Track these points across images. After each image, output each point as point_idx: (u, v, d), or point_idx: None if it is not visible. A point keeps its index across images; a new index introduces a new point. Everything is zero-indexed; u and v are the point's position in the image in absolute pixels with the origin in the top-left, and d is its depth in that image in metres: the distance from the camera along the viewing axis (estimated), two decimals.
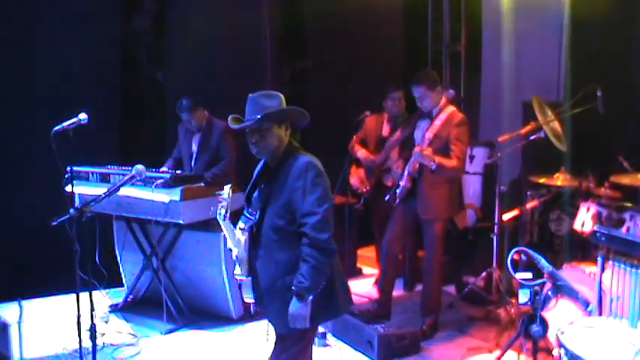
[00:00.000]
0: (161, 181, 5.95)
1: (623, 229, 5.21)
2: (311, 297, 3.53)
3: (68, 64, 7.03)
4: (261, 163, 3.92)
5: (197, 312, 6.51)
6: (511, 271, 2.97)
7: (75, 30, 7.11)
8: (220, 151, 6.93)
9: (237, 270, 3.74)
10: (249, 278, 3.79)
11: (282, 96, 3.76)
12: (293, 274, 3.59)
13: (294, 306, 3.55)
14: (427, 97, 5.85)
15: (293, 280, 3.57)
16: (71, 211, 4.06)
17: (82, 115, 4.59)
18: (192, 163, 7.02)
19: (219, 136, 6.91)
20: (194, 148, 7.02)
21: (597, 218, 5.46)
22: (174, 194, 5.94)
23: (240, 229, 3.73)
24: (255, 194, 3.81)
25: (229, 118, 3.81)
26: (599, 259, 4.66)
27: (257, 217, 3.71)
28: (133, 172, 4.38)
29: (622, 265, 4.50)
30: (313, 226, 3.50)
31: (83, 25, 7.17)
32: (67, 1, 7.11)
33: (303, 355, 3.85)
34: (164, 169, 6.90)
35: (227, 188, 3.55)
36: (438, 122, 5.87)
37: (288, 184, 3.58)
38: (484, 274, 6.86)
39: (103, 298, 6.54)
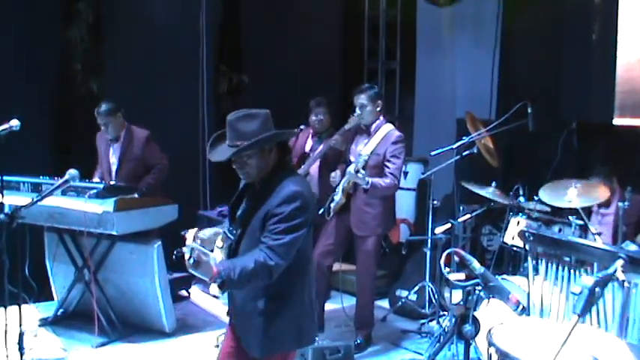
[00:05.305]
0: (94, 191, 5.85)
1: None
2: (219, 281, 3.30)
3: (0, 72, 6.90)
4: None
5: (129, 325, 6.40)
6: (444, 271, 3.01)
7: (9, 38, 7.00)
8: (147, 159, 6.83)
9: (214, 287, 3.56)
10: (225, 294, 3.64)
11: (263, 113, 3.55)
12: (263, 298, 3.51)
13: (208, 270, 3.28)
14: (366, 107, 5.91)
15: (263, 304, 3.50)
16: (1, 216, 3.97)
17: (14, 122, 4.50)
18: (114, 175, 6.86)
19: (142, 145, 6.82)
20: (113, 159, 6.88)
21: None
22: (108, 205, 5.83)
23: (217, 247, 3.61)
24: (239, 212, 3.70)
25: (209, 143, 3.65)
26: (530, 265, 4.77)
27: (237, 235, 3.62)
28: (67, 176, 4.31)
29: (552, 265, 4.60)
30: (272, 248, 3.37)
31: (18, 34, 7.06)
32: (1, 9, 6.98)
33: None
34: (96, 179, 6.78)
35: (191, 233, 3.36)
36: (375, 139, 5.93)
37: (268, 208, 3.45)
38: (417, 287, 6.94)
39: (33, 312, 6.40)
